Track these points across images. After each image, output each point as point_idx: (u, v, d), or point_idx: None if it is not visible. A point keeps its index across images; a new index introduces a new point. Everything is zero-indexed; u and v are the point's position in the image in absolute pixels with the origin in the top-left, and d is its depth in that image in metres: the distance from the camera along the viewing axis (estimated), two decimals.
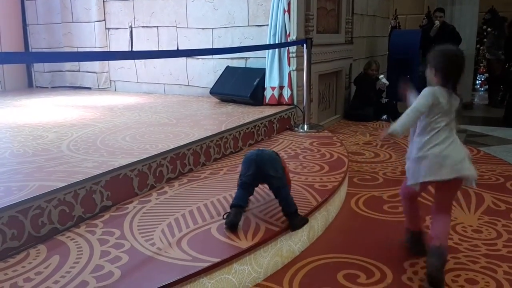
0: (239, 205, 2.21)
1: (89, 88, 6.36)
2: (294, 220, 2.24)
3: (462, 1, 7.70)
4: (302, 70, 4.45)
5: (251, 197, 2.36)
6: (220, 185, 2.81)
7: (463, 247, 2.37)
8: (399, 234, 2.52)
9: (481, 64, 9.75)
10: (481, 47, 9.07)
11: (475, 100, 9.14)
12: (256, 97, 4.66)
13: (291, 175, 2.87)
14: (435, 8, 7.31)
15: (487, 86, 9.40)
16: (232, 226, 2.14)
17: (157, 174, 2.78)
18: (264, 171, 2.26)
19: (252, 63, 5.02)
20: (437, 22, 6.55)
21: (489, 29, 9.93)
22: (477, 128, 6.05)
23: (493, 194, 3.16)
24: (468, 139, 5.31)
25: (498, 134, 5.63)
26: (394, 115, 5.88)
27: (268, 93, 4.64)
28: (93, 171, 2.43)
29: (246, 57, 5.06)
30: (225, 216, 2.21)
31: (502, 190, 3.24)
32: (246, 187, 2.27)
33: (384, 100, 5.97)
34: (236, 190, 2.30)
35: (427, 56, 2.21)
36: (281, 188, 2.27)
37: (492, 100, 8.58)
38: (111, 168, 2.49)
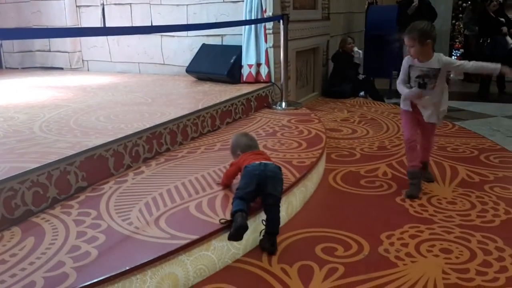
0: (242, 210, 2.00)
1: (61, 69, 6.18)
2: (268, 241, 2.10)
3: None
4: (279, 47, 4.41)
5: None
6: (197, 164, 2.79)
7: (438, 218, 2.42)
8: (375, 208, 2.57)
9: (457, 40, 9.85)
10: (456, 23, 9.14)
11: (451, 75, 9.26)
12: (233, 75, 4.60)
13: (269, 152, 2.88)
14: None
15: None
16: (241, 229, 1.93)
17: (133, 154, 2.74)
18: (264, 190, 2.14)
19: (229, 41, 4.95)
20: (416, 1, 6.56)
21: (464, 4, 10.00)
22: (453, 103, 6.14)
23: (467, 166, 3.22)
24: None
25: (473, 109, 5.75)
26: (371, 91, 5.93)
27: (245, 71, 4.59)
28: (67, 152, 2.38)
29: (222, 35, 4.98)
30: (222, 221, 2.01)
31: (476, 163, 3.31)
32: (243, 200, 2.08)
33: (361, 77, 5.98)
34: (234, 201, 2.08)
35: (413, 32, 2.58)
36: (274, 206, 2.14)
37: (468, 76, 8.71)
38: (85, 149, 2.44)
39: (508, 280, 1.86)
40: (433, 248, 2.12)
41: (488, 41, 6.58)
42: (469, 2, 9.00)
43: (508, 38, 6.63)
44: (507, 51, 6.78)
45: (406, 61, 2.72)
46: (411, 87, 2.71)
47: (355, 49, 6.06)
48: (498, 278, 1.87)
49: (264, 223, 2.13)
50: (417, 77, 2.67)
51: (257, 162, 2.24)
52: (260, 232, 2.14)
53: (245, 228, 1.94)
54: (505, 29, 6.61)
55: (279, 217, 2.14)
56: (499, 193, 2.74)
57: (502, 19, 6.69)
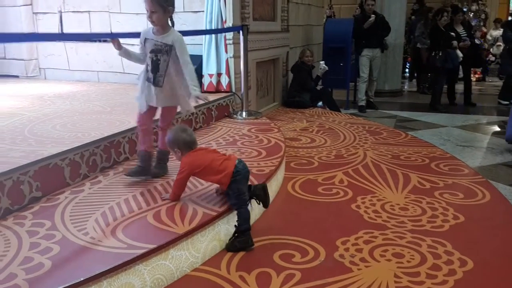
0: (250, 228, 2.25)
1: (17, 76, 5.99)
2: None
3: None
4: (239, 57, 4.46)
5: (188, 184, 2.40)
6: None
7: (391, 224, 2.52)
8: (332, 214, 2.64)
9: (409, 53, 10.23)
10: (411, 36, 9.50)
11: (405, 87, 9.62)
12: None
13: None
14: None
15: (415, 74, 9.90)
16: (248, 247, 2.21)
17: (90, 163, 2.70)
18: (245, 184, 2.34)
19: (189, 50, 4.88)
20: (372, 17, 6.79)
21: (413, 17, 10.42)
22: (406, 113, 6.40)
23: (419, 174, 3.36)
24: (398, 124, 5.60)
25: (425, 119, 5.99)
26: (329, 102, 6.08)
27: (206, 80, 4.61)
28: (21, 161, 2.32)
29: None
30: (230, 239, 2.23)
31: (427, 170, 3.45)
32: (247, 204, 2.29)
33: (319, 87, 6.13)
34: (240, 210, 2.24)
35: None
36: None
37: (420, 87, 9.07)
38: (40, 158, 2.38)
39: (456, 283, 1.95)
40: (386, 253, 2.20)
41: (440, 54, 6.88)
42: (419, 18, 9.39)
43: (458, 51, 6.96)
44: (457, 64, 7.13)
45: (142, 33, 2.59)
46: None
47: (322, 63, 6.19)
48: (447, 281, 1.96)
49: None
50: (152, 51, 2.54)
51: (239, 162, 2.29)
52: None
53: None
54: (455, 43, 6.94)
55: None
56: (448, 199, 2.88)
57: (453, 33, 7.02)
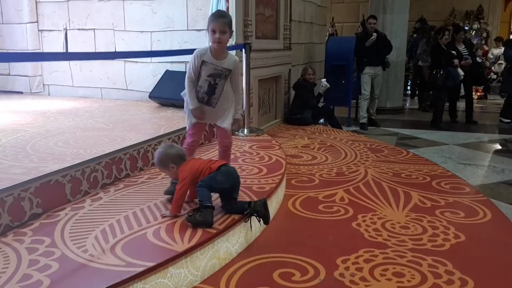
0: (214, 207, 2.29)
1: (21, 93, 6.05)
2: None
3: (393, 10, 8.13)
4: (242, 74, 4.50)
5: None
6: (157, 190, 2.78)
7: (391, 242, 2.50)
8: (332, 232, 2.63)
9: (411, 71, 10.31)
10: (413, 54, 9.58)
11: (406, 104, 9.65)
12: None
13: None
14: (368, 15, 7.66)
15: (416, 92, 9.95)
16: (207, 225, 2.22)
17: (91, 180, 2.71)
18: (231, 194, 2.41)
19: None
20: (374, 35, 6.86)
21: (415, 35, 10.52)
22: (407, 131, 6.42)
23: (420, 192, 3.35)
24: (399, 141, 5.62)
25: (426, 137, 6.00)
26: (331, 119, 6.11)
27: None
28: (22, 177, 2.33)
29: (185, 61, 5.03)
30: (190, 213, 2.24)
31: (428, 189, 3.45)
32: (211, 191, 2.33)
33: (321, 105, 6.16)
34: (199, 188, 2.30)
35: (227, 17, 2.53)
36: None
37: (422, 105, 9.10)
38: (41, 174, 2.40)
39: None
40: (386, 272, 2.18)
41: (441, 72, 6.93)
42: (421, 36, 9.47)
43: (459, 69, 7.01)
44: (458, 82, 7.16)
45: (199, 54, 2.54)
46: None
47: (323, 80, 6.24)
48: None
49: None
50: (210, 75, 2.55)
51: (230, 166, 2.47)
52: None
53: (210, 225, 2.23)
54: (456, 61, 6.99)
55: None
56: (450, 218, 2.86)
57: (454, 52, 7.08)
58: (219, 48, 2.51)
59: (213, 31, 2.45)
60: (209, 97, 2.60)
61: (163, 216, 2.36)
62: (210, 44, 2.54)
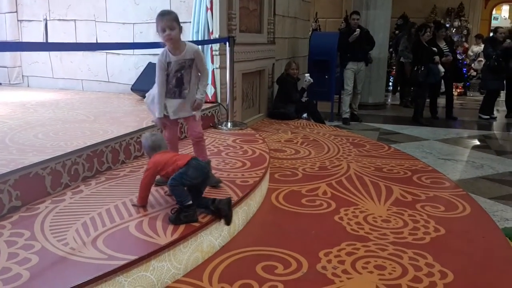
0: (194, 204, 2.28)
1: None
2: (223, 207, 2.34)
3: (376, 6, 8.18)
4: (225, 68, 4.48)
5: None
6: (139, 183, 2.74)
7: (373, 236, 2.53)
8: (315, 226, 2.65)
9: (394, 67, 10.42)
10: (397, 49, 9.68)
11: (388, 100, 9.75)
12: None
13: (213, 171, 2.91)
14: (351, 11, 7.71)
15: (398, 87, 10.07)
16: (193, 222, 2.22)
17: (72, 173, 2.67)
18: (204, 185, 2.39)
19: None
20: (357, 31, 6.90)
21: (396, 31, 10.63)
22: (389, 126, 6.49)
23: (401, 186, 3.40)
24: (381, 136, 5.68)
25: (407, 132, 6.08)
26: (314, 114, 6.13)
27: None
28: (1, 169, 2.28)
29: None
30: (173, 212, 2.24)
31: (409, 183, 3.49)
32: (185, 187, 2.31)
33: (304, 99, 6.18)
34: (174, 187, 2.27)
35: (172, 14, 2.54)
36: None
37: (403, 101, 9.21)
38: (20, 166, 2.34)
39: None
40: (368, 265, 2.21)
41: (422, 69, 7.01)
42: (402, 33, 9.57)
43: (440, 66, 7.11)
44: (439, 78, 7.27)
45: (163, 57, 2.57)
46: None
47: (307, 75, 6.26)
48: None
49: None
50: (177, 71, 2.60)
51: (201, 160, 2.47)
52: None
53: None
54: (437, 58, 7.08)
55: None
56: (430, 212, 2.91)
57: (435, 49, 7.18)
58: (173, 45, 2.55)
59: (163, 30, 2.50)
60: (180, 89, 2.63)
61: (133, 205, 2.40)
62: (164, 45, 2.59)
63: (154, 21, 2.55)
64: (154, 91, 2.64)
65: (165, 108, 2.62)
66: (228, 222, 2.39)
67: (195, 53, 2.61)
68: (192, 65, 2.61)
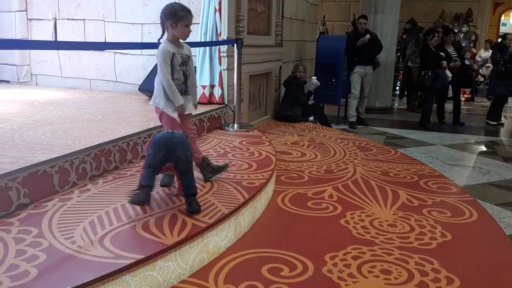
0: (151, 186, 2.31)
1: (8, 82, 5.97)
2: (192, 203, 2.33)
3: (384, 10, 8.17)
4: (233, 69, 4.49)
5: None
6: None
7: (379, 240, 2.52)
8: (321, 229, 2.64)
9: (401, 72, 10.39)
10: (405, 54, 9.65)
11: (395, 105, 9.73)
12: None
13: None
14: (359, 15, 7.70)
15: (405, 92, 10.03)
16: (139, 204, 2.29)
17: (80, 171, 2.68)
18: (174, 154, 2.31)
19: None
20: (367, 36, 6.89)
21: (404, 36, 10.60)
22: (396, 130, 6.47)
23: (407, 191, 3.39)
24: (387, 140, 5.66)
25: (414, 137, 6.06)
26: (320, 117, 6.13)
27: (198, 92, 4.62)
28: (10, 167, 2.29)
29: None
30: (132, 194, 2.32)
31: (415, 188, 3.48)
32: (154, 169, 2.33)
33: (310, 102, 6.18)
34: (143, 169, 2.32)
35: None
36: (187, 171, 2.34)
37: (410, 106, 9.19)
38: (29, 164, 2.36)
39: None
40: (373, 269, 2.20)
41: (429, 73, 6.99)
42: (410, 37, 9.55)
43: (447, 71, 7.08)
44: (446, 84, 7.24)
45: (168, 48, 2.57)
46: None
47: (314, 78, 6.26)
48: None
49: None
50: (181, 64, 2.62)
51: (165, 131, 2.50)
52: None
53: (147, 203, 2.31)
54: (445, 63, 7.06)
55: (193, 180, 2.36)
56: (436, 217, 2.90)
57: (442, 54, 7.15)
58: (185, 40, 2.65)
59: (186, 26, 2.56)
60: (185, 86, 2.69)
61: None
62: (168, 37, 2.61)
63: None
64: (159, 90, 2.61)
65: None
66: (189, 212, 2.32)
67: (190, 51, 2.70)
68: (189, 62, 2.68)
